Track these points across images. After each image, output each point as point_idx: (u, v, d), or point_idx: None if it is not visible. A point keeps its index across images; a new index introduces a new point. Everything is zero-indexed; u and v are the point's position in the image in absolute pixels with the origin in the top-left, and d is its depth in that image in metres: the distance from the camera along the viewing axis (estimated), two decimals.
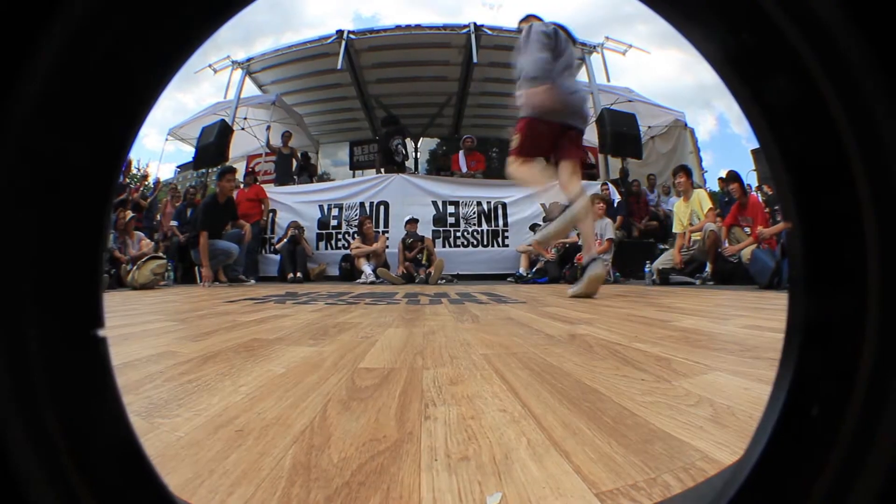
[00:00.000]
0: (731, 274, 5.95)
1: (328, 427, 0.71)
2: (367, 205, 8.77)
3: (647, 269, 6.85)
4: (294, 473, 0.55)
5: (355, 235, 8.31)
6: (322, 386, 0.94)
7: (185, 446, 0.64)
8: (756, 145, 0.32)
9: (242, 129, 11.22)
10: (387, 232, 8.45)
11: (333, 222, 8.81)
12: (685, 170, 6.95)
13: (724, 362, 1.17)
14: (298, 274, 7.81)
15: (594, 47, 10.76)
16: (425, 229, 8.27)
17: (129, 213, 7.26)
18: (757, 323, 1.96)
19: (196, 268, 7.45)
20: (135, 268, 6.28)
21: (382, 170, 9.46)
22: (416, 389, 0.91)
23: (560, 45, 3.70)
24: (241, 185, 9.03)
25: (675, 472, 0.55)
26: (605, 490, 0.51)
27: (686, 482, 0.52)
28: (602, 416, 0.75)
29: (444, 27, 10.12)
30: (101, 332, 0.28)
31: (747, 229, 5.95)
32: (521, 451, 0.61)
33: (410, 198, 8.43)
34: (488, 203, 8.62)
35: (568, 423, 0.71)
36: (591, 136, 10.77)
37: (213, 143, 9.72)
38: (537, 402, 0.82)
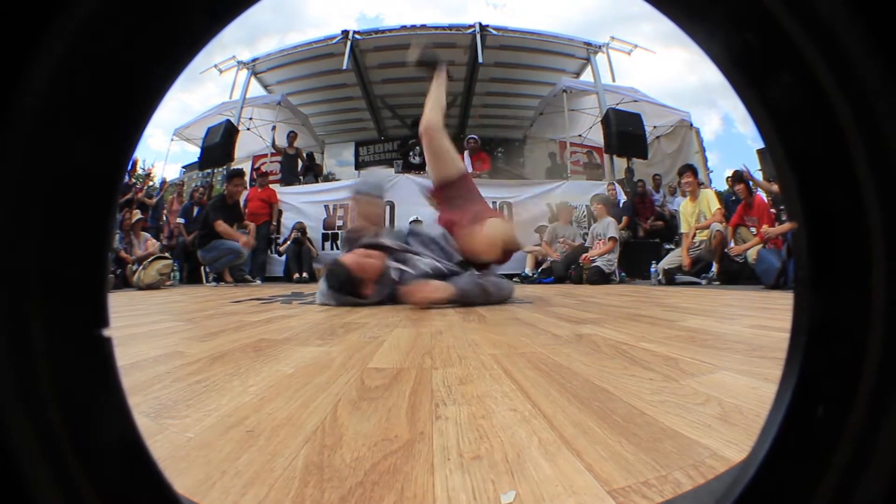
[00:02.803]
0: (736, 274, 5.94)
1: (339, 427, 0.70)
2: None
3: (652, 269, 6.84)
4: (307, 474, 0.55)
5: None
6: (331, 386, 0.94)
7: (195, 447, 0.63)
8: (761, 145, 0.32)
9: (248, 129, 11.21)
10: None
11: (339, 222, 8.81)
12: (691, 169, 6.92)
13: (732, 361, 1.17)
14: (304, 274, 7.83)
15: (599, 47, 10.71)
16: None
17: (137, 214, 7.28)
18: (763, 323, 1.95)
19: (202, 268, 7.47)
20: (140, 268, 6.30)
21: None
22: (426, 389, 0.91)
23: None
24: (255, 185, 9.05)
25: (685, 469, 0.55)
26: (616, 487, 0.51)
27: (696, 479, 0.53)
28: (612, 415, 0.75)
29: (450, 27, 10.08)
30: (107, 332, 0.28)
31: (753, 229, 5.94)
32: (532, 450, 0.61)
33: (416, 198, 8.42)
34: (493, 203, 8.56)
35: (578, 422, 0.71)
36: (596, 135, 10.75)
37: (218, 144, 9.73)
38: (547, 401, 0.82)
